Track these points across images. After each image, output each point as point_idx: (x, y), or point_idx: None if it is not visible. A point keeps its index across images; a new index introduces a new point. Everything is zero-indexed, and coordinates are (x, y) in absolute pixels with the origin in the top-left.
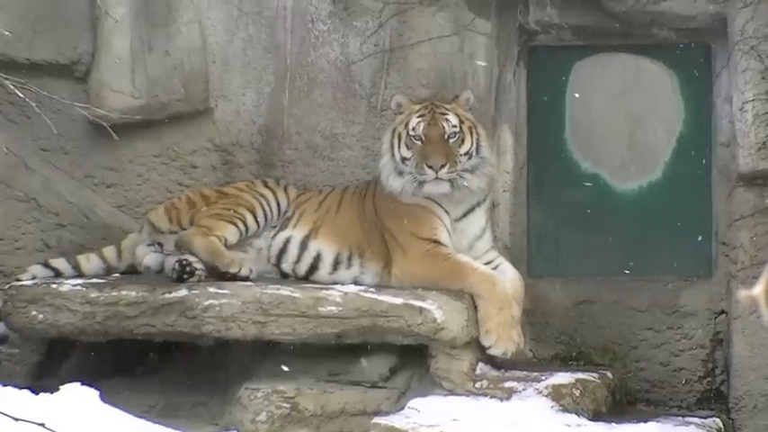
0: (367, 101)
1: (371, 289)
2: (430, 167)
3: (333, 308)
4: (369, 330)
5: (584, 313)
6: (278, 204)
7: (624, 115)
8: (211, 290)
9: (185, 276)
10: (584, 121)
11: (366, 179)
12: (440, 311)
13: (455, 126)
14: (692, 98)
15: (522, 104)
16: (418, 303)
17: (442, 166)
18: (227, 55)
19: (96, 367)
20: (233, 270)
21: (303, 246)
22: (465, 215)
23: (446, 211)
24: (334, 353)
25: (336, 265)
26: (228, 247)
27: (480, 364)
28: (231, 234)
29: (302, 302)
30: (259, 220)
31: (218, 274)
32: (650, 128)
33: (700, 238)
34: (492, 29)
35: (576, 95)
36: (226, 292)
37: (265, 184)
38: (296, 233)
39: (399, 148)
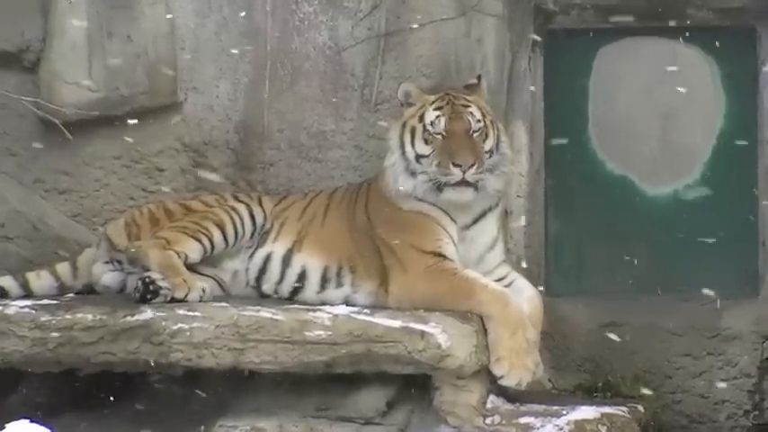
0: (360, 93)
1: (365, 310)
2: (457, 166)
3: (321, 332)
4: (362, 358)
5: (611, 337)
6: (252, 219)
7: (656, 109)
8: (180, 312)
9: (149, 297)
10: (610, 116)
11: (358, 181)
12: (444, 336)
13: (479, 120)
14: (735, 89)
15: (538, 97)
16: (419, 327)
17: (471, 166)
18: (197, 41)
19: (48, 401)
20: (178, 295)
21: (286, 261)
22: (475, 222)
23: (452, 219)
24: (323, 384)
25: (324, 282)
26: (190, 265)
27: (491, 397)
28: (193, 251)
29: (285, 326)
30: (228, 237)
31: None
32: (686, 123)
33: (744, 250)
34: (503, 9)
35: (601, 86)
36: (197, 314)
37: (237, 198)
38: (277, 248)
39: (414, 144)
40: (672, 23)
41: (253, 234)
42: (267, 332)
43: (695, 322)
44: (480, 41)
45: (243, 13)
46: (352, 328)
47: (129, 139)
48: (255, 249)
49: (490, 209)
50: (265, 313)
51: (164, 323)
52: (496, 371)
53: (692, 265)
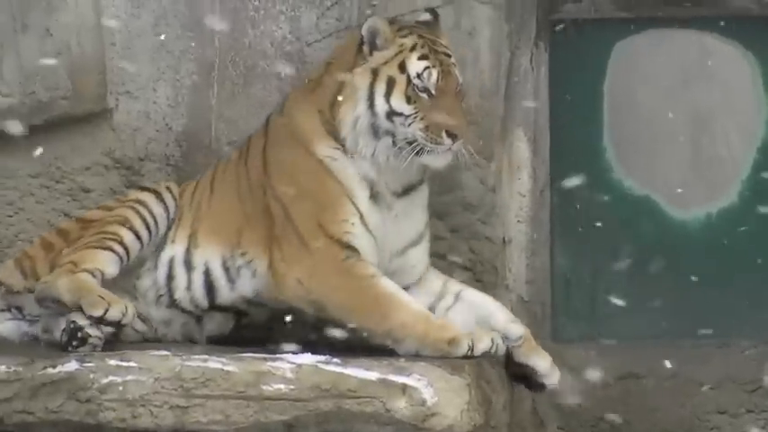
0: None
1: (335, 360)
2: (452, 136)
3: (281, 386)
4: (331, 417)
5: (631, 391)
6: (164, 205)
7: (685, 115)
8: (112, 362)
9: (75, 344)
10: (630, 123)
11: None
12: (430, 390)
13: (459, 74)
14: None
15: (542, 101)
16: (400, 379)
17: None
18: (131, 35)
19: None
20: (95, 313)
21: (188, 264)
22: (406, 193)
23: (369, 184)
24: None
25: (228, 273)
26: (106, 282)
27: None
28: (107, 263)
29: (238, 378)
30: (141, 235)
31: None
32: (721, 132)
33: None
34: None
35: (619, 88)
36: (132, 365)
37: (141, 188)
38: (176, 249)
39: (389, 98)
40: (705, 12)
41: (169, 226)
42: (216, 386)
43: (732, 373)
44: (472, 34)
45: (185, 2)
46: (319, 381)
47: (48, 153)
48: (159, 254)
49: (420, 183)
50: (214, 363)
51: (92, 375)
52: (457, 351)
53: (727, 304)
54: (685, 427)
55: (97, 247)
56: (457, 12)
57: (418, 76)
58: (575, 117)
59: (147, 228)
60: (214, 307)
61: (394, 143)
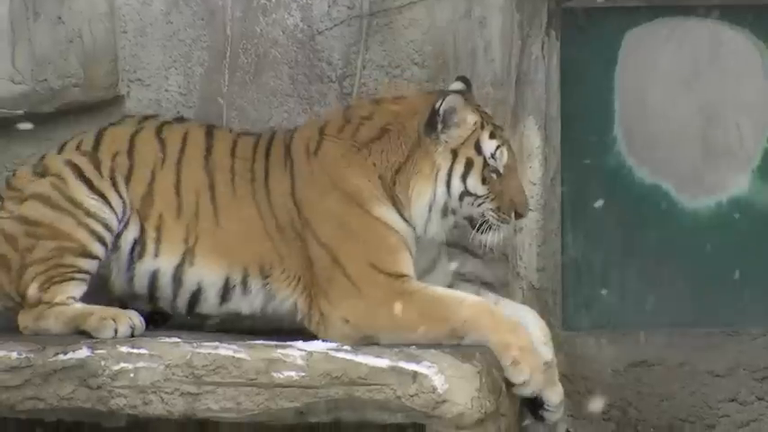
0: (338, 85)
1: (345, 347)
2: (519, 216)
3: (292, 373)
4: (342, 404)
5: (642, 379)
6: (113, 212)
7: (696, 105)
8: (123, 350)
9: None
10: (641, 112)
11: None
12: (440, 377)
13: None
14: None
15: (553, 90)
16: (411, 367)
17: None
18: (143, 23)
19: None
20: (105, 334)
21: (177, 280)
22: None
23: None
24: None
25: (226, 293)
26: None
27: None
28: (75, 289)
29: (249, 366)
30: (98, 253)
31: None
32: (732, 122)
33: None
34: None
35: (630, 77)
36: (143, 352)
37: (90, 187)
38: (162, 264)
39: (466, 179)
40: (715, 1)
41: (125, 222)
42: (227, 373)
43: (742, 361)
44: (483, 23)
45: None
46: (330, 369)
47: (60, 140)
48: (135, 263)
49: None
50: (225, 351)
51: (103, 363)
52: (516, 377)
53: (738, 292)
54: (696, 415)
55: (60, 282)
56: (468, 1)
57: (492, 156)
58: (586, 106)
59: (103, 243)
60: (192, 315)
61: (455, 222)
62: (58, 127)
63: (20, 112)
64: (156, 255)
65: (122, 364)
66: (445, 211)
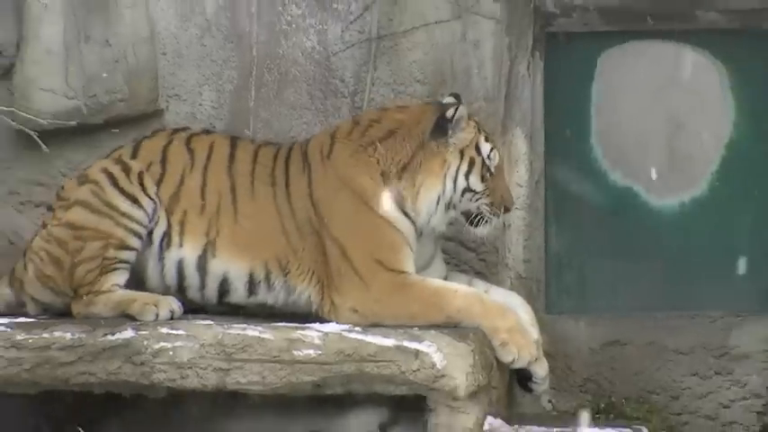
0: (350, 100)
1: (357, 328)
2: (507, 211)
3: (310, 351)
4: (354, 378)
5: (615, 357)
6: (144, 211)
7: (662, 116)
8: (163, 331)
9: None
10: (614, 123)
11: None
12: (439, 355)
13: None
14: (745, 96)
15: (538, 104)
16: (413, 345)
17: None
18: (180, 45)
19: (19, 425)
20: (147, 317)
21: (201, 268)
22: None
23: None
24: (313, 406)
25: (252, 287)
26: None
27: (489, 419)
28: (118, 278)
29: (273, 345)
30: (135, 245)
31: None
32: (694, 132)
33: (754, 265)
34: (501, 12)
35: (604, 92)
36: (181, 332)
37: (121, 192)
38: (186, 254)
39: (468, 177)
40: (679, 26)
41: (156, 220)
42: (254, 351)
43: (702, 341)
44: (477, 45)
45: (227, 16)
46: (343, 347)
47: (107, 149)
48: (164, 253)
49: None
50: (252, 331)
51: (145, 342)
52: (506, 357)
53: (699, 280)
54: (662, 387)
55: (106, 272)
56: (464, 26)
57: (488, 156)
58: (566, 118)
59: (139, 236)
60: (223, 304)
61: (454, 216)
62: (105, 136)
63: (72, 123)
64: (181, 245)
65: (162, 344)
66: (448, 206)
